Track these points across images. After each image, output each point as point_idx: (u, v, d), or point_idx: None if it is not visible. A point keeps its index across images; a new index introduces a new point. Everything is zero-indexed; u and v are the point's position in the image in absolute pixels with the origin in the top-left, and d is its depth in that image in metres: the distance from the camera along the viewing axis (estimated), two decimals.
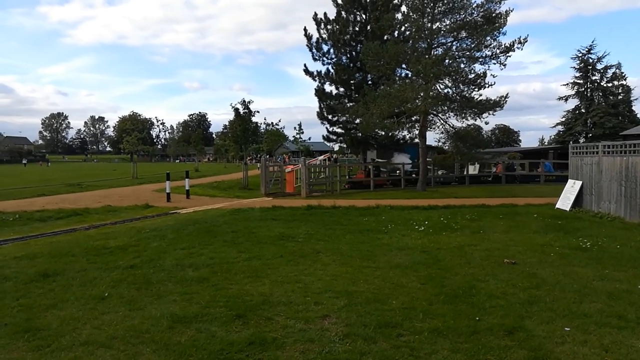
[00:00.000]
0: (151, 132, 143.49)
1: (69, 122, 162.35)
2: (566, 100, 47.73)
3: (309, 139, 60.87)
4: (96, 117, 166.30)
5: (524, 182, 25.06)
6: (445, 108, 22.08)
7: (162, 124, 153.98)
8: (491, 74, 21.10)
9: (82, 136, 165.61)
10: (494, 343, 4.31)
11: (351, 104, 27.56)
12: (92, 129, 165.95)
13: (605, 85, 45.83)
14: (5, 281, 6.52)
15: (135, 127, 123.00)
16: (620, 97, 45.47)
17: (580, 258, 7.75)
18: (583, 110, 46.15)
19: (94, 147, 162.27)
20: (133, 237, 10.00)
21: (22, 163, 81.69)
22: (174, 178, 22.71)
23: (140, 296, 5.78)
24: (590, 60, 45.53)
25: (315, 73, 29.22)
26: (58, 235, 10.67)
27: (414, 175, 24.61)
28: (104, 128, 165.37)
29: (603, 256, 7.89)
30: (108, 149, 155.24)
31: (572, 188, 14.52)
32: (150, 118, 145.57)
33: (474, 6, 20.65)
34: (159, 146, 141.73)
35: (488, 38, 20.41)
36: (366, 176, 24.08)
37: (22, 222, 12.73)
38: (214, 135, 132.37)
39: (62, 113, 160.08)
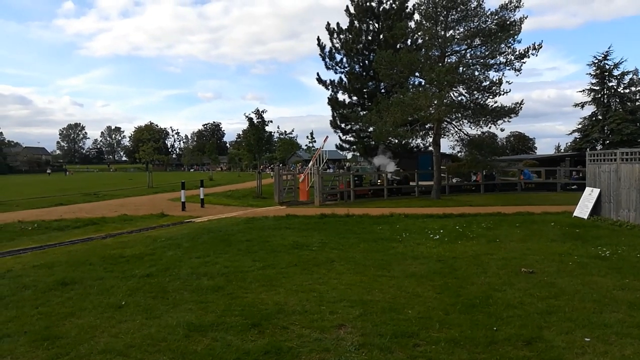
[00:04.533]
0: (166, 141, 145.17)
1: (85, 132, 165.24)
2: (582, 106, 47.08)
3: (323, 148, 61.06)
4: (112, 127, 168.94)
5: (503, 190, 24.63)
6: (459, 115, 21.93)
7: (177, 133, 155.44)
8: (506, 81, 20.95)
9: (98, 146, 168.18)
10: (512, 354, 4.25)
11: (364, 112, 27.58)
12: (108, 139, 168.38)
13: (622, 91, 45.14)
14: (25, 289, 6.62)
15: (150, 137, 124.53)
16: (638, 103, 44.72)
17: (600, 267, 7.61)
18: (600, 117, 45.47)
19: (110, 156, 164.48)
20: (149, 245, 10.10)
21: (46, 172, 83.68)
22: (189, 187, 22.90)
23: (156, 305, 5.82)
24: (607, 67, 44.90)
25: (328, 82, 29.34)
26: (75, 244, 10.81)
27: (395, 185, 23.82)
28: (120, 138, 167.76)
29: (623, 265, 7.75)
30: (124, 158, 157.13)
31: (590, 196, 14.30)
32: (165, 128, 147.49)
33: (488, 14, 20.55)
34: (174, 155, 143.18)
35: (502, 45, 20.30)
36: (347, 187, 23.09)
37: (40, 231, 12.93)
38: (227, 145, 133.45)
39: (79, 124, 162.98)
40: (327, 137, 28.07)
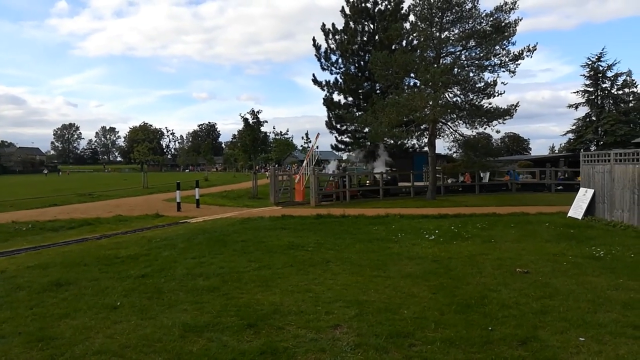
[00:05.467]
0: (161, 142, 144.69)
1: (80, 132, 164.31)
2: (576, 107, 47.39)
3: (317, 148, 61.06)
4: (107, 127, 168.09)
5: (490, 191, 24.69)
6: (455, 116, 22.01)
7: (172, 134, 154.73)
8: (501, 82, 21.02)
9: (93, 146, 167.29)
10: (507, 353, 4.27)
11: (360, 113, 27.62)
12: (103, 139, 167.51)
13: (616, 92, 45.50)
14: (19, 290, 6.59)
15: (145, 137, 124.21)
16: (632, 104, 45.02)
17: (594, 267, 7.66)
18: (594, 118, 45.76)
19: (105, 157, 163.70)
20: (144, 246, 10.07)
21: (42, 172, 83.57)
22: (184, 187, 22.84)
23: (151, 305, 5.81)
24: (601, 68, 45.23)
25: (323, 83, 29.40)
26: (70, 245, 10.76)
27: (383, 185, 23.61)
28: (114, 138, 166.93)
29: (617, 265, 7.80)
30: (119, 159, 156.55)
31: (584, 196, 14.39)
32: (160, 128, 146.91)
33: (483, 15, 20.66)
34: (169, 156, 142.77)
35: (497, 47, 20.38)
36: (334, 187, 22.97)
37: (34, 232, 12.86)
38: (223, 145, 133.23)
39: (74, 124, 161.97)
40: (318, 134, 27.87)
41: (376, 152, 26.99)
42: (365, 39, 28.64)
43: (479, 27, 20.75)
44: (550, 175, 26.30)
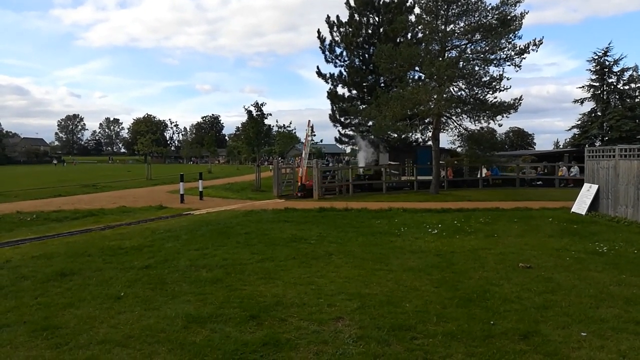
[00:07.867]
0: (165, 133, 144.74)
1: (84, 124, 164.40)
2: (582, 102, 47.06)
3: (321, 141, 60.95)
4: (111, 119, 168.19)
5: (472, 186, 24.54)
6: (459, 110, 21.90)
7: (176, 125, 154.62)
8: (506, 77, 20.85)
9: (97, 138, 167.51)
10: (508, 347, 4.28)
11: (364, 106, 27.52)
12: (107, 130, 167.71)
13: (621, 88, 45.14)
14: (24, 280, 6.64)
15: (149, 129, 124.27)
16: (638, 100, 44.68)
17: (597, 263, 7.65)
18: (599, 113, 45.45)
19: (109, 148, 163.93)
20: (148, 237, 10.12)
21: (52, 163, 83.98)
22: (188, 179, 22.90)
23: (155, 296, 5.85)
24: (607, 63, 44.87)
25: (327, 75, 29.27)
26: (74, 235, 10.82)
27: (366, 180, 23.47)
28: (118, 130, 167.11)
29: (620, 261, 7.79)
30: (122, 150, 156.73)
31: (588, 192, 14.34)
32: (164, 120, 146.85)
33: (488, 8, 20.46)
34: (173, 148, 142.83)
35: (503, 40, 20.23)
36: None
37: (39, 222, 12.93)
38: (226, 137, 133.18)
39: (78, 115, 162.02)
40: (309, 121, 27.46)
41: (360, 147, 26.93)
42: (370, 31, 28.46)
43: (484, 20, 20.57)
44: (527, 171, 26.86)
